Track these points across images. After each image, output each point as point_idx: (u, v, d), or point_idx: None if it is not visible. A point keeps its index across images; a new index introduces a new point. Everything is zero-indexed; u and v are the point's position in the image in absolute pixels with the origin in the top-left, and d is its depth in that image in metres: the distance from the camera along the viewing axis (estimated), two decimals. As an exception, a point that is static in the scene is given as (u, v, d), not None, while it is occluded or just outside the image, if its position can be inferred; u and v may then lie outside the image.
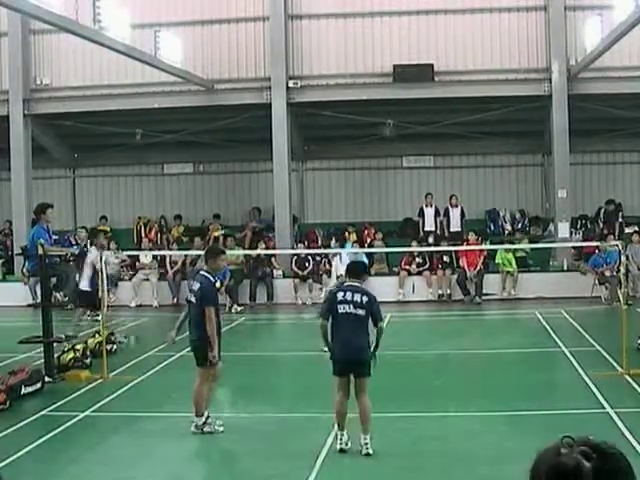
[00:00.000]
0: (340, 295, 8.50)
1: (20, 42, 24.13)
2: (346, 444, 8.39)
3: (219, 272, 10.81)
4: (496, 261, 22.60)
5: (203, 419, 9.39)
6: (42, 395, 11.66)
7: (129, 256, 23.27)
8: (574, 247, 22.74)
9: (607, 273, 21.04)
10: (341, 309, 8.41)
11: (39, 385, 11.81)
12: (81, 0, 17.83)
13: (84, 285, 15.62)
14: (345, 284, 8.81)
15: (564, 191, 22.95)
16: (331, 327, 8.53)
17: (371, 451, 8.29)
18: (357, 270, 8.97)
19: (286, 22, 23.62)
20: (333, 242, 24.40)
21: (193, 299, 9.59)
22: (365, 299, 8.47)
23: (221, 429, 9.45)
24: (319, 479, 7.83)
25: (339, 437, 8.42)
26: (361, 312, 8.39)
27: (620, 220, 24.36)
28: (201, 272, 9.90)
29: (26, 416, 10.35)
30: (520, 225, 25.26)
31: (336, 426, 8.49)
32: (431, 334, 17.03)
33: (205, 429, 9.37)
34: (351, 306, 8.39)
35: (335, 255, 18.59)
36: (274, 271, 23.05)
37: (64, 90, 24.51)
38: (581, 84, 22.78)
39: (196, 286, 9.59)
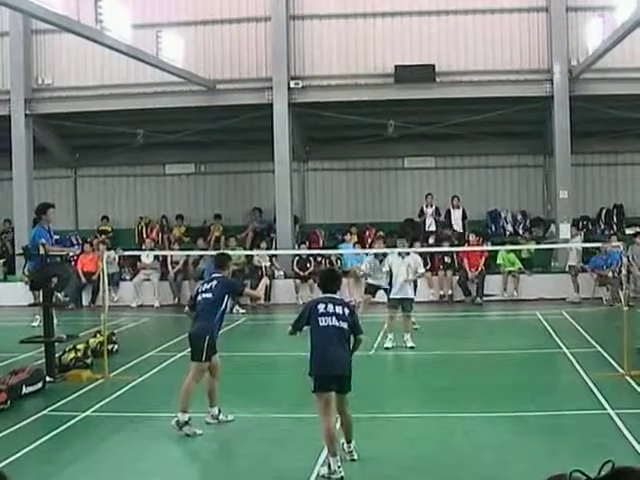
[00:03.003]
0: (321, 307, 8.04)
1: (22, 42, 24.16)
2: (341, 470, 7.78)
3: None
4: (497, 261, 22.61)
5: (187, 417, 9.37)
6: (43, 395, 11.66)
7: (130, 256, 23.30)
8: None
9: (609, 274, 21.08)
10: (322, 322, 7.95)
11: (40, 385, 11.81)
12: (82, 0, 17.85)
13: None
14: (322, 296, 8.36)
15: (565, 192, 22.94)
16: (310, 341, 8.09)
17: (356, 456, 8.25)
18: (332, 282, 8.46)
19: (288, 22, 23.63)
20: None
21: (209, 295, 9.78)
22: (347, 311, 8.08)
23: (199, 432, 9.40)
24: (320, 480, 7.83)
25: (333, 464, 7.71)
26: (344, 325, 7.98)
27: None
28: (214, 274, 10.16)
29: (27, 416, 10.34)
30: (521, 226, 25.24)
31: (331, 453, 7.79)
32: (432, 335, 17.00)
33: (184, 429, 9.33)
34: (333, 318, 7.95)
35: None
36: (275, 272, 23.06)
37: (65, 90, 24.53)
38: (583, 85, 22.77)
39: (212, 283, 9.88)
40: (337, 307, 8.06)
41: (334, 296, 8.29)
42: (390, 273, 15.45)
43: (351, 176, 26.54)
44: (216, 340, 9.78)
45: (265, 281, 11.41)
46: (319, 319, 7.99)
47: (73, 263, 22.02)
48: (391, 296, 15.42)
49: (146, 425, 10.06)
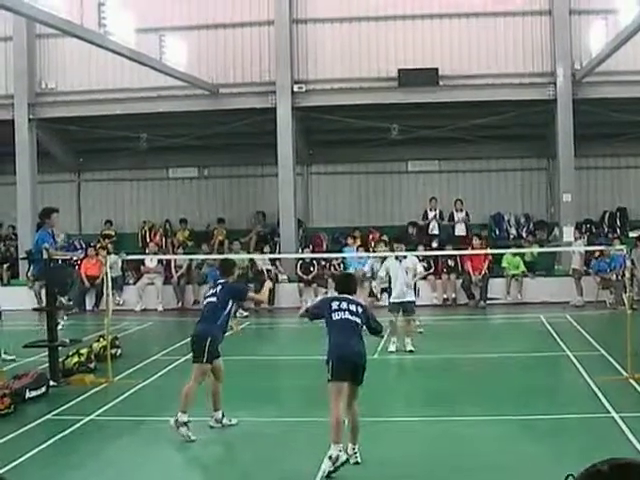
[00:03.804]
0: (335, 304, 8.45)
1: (25, 46, 24.17)
2: (343, 454, 7.92)
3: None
4: (502, 265, 22.57)
5: (186, 418, 9.33)
6: (47, 399, 11.66)
7: (134, 260, 23.29)
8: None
9: (612, 277, 21.06)
10: (336, 316, 8.33)
11: (44, 389, 11.81)
12: (86, 4, 17.89)
13: None
14: (338, 295, 8.76)
15: (569, 195, 22.92)
16: (327, 334, 8.41)
17: (360, 459, 8.24)
18: (348, 285, 8.83)
19: (291, 26, 23.64)
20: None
21: (214, 299, 9.86)
22: (360, 309, 8.46)
23: (193, 437, 9.30)
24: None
25: (334, 451, 7.81)
26: (357, 320, 8.33)
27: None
28: (219, 281, 10.22)
29: (30, 420, 10.34)
30: (525, 229, 25.21)
31: (334, 441, 7.88)
32: (436, 338, 16.99)
33: (181, 429, 9.27)
34: (346, 313, 8.33)
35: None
36: (279, 276, 23.05)
37: (69, 94, 24.54)
38: (586, 88, 22.76)
39: (217, 288, 9.98)
40: (350, 305, 8.45)
41: (348, 296, 8.63)
42: (389, 278, 15.47)
43: (355, 180, 26.52)
44: (219, 343, 9.79)
45: (268, 284, 11.42)
46: (333, 314, 8.37)
47: (76, 267, 22.03)
48: (391, 300, 15.42)
49: (150, 429, 10.08)
